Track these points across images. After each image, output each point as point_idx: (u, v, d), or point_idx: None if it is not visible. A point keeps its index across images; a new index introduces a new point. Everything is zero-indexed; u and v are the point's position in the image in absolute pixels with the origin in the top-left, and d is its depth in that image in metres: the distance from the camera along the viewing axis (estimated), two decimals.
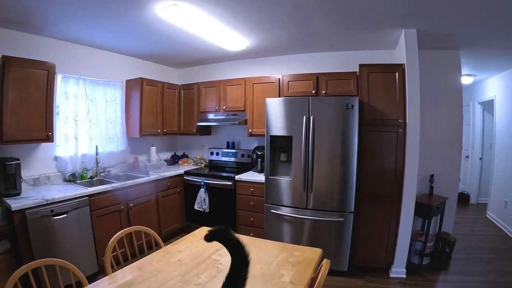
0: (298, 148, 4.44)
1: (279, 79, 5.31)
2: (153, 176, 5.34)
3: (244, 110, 5.72)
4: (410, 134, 4.20)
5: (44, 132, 4.09)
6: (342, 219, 4.29)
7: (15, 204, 3.44)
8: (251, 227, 5.17)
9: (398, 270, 4.41)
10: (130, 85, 5.75)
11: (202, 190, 5.53)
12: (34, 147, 4.39)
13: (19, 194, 3.86)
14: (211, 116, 6.17)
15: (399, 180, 4.30)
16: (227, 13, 3.71)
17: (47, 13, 3.64)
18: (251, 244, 2.90)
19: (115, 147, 5.62)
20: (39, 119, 4.04)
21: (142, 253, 2.99)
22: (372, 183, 4.42)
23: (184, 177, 5.92)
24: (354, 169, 4.21)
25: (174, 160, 6.80)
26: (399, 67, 4.28)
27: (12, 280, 2.02)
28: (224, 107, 5.93)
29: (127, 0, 3.31)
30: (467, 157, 8.71)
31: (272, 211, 4.68)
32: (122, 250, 2.94)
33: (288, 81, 5.21)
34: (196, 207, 5.59)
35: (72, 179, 4.72)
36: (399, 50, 4.65)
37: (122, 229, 2.94)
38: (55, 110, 4.47)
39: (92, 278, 4.04)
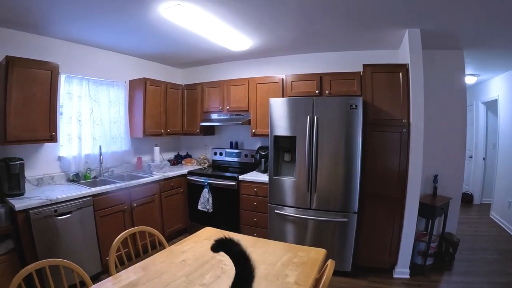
0: (302, 148, 4.43)
1: (282, 79, 5.31)
2: (156, 176, 5.34)
3: (247, 110, 5.71)
4: (414, 134, 4.18)
5: (47, 132, 4.09)
6: (346, 220, 4.28)
7: (18, 204, 3.45)
8: (254, 227, 5.17)
9: (402, 271, 4.40)
10: (133, 85, 5.75)
11: (205, 190, 5.53)
12: (38, 147, 4.40)
13: (22, 194, 3.87)
14: (214, 116, 6.16)
15: (403, 180, 4.29)
16: (230, 12, 3.70)
17: (50, 13, 3.64)
18: (256, 244, 2.90)
19: (118, 147, 5.62)
20: (43, 119, 4.04)
21: (146, 253, 2.99)
22: (376, 184, 4.40)
23: (188, 177, 5.92)
24: (358, 169, 4.20)
25: (177, 160, 6.81)
26: (403, 67, 4.27)
27: (16, 280, 2.02)
28: (228, 107, 5.92)
29: (130, 0, 3.31)
30: (471, 157, 8.68)
31: (276, 211, 4.67)
32: (126, 250, 2.94)
33: (291, 81, 5.21)
34: (199, 207, 5.59)
35: (75, 179, 4.73)
36: (402, 50, 4.64)
37: (125, 229, 2.94)
38: (59, 110, 4.48)
39: (95, 278, 4.06)
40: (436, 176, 4.95)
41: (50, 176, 4.55)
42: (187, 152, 7.16)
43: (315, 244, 3.72)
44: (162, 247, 2.93)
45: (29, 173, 4.22)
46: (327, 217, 4.36)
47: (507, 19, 3.65)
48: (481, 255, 5.17)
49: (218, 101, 6.07)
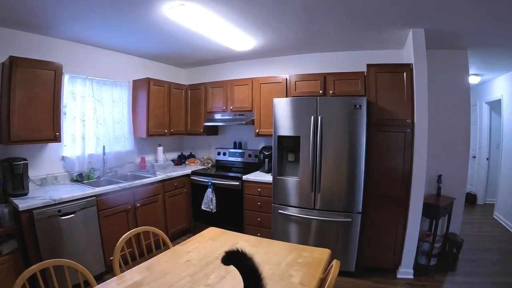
0: (305, 148, 4.43)
1: (286, 79, 5.30)
2: (160, 176, 5.34)
3: (251, 110, 5.71)
4: (418, 134, 4.18)
5: (51, 132, 4.10)
6: (349, 220, 4.28)
7: (22, 204, 3.45)
8: (258, 227, 5.16)
9: (406, 271, 4.40)
10: (137, 85, 5.76)
11: (209, 190, 5.53)
12: (42, 147, 4.40)
13: (26, 194, 3.88)
14: (218, 116, 6.16)
15: (407, 180, 4.28)
16: (234, 12, 3.70)
17: (53, 13, 3.64)
18: (260, 244, 2.90)
19: (122, 147, 5.63)
20: (47, 119, 4.04)
21: (150, 252, 2.98)
22: (380, 184, 4.40)
23: (191, 177, 5.92)
24: (362, 169, 4.19)
25: (181, 160, 6.81)
26: (407, 67, 4.26)
27: (20, 281, 2.02)
28: (231, 107, 5.92)
29: (134, 0, 3.31)
30: (474, 157, 8.66)
31: (279, 211, 4.67)
32: (130, 249, 2.94)
33: (295, 81, 5.20)
34: (203, 207, 5.59)
35: (79, 179, 4.74)
36: (406, 49, 4.63)
37: (129, 229, 2.95)
38: (63, 110, 4.48)
39: (99, 278, 4.08)
40: (440, 176, 4.94)
41: (53, 176, 4.56)
42: (190, 152, 7.16)
43: (318, 244, 3.71)
44: (166, 247, 2.93)
45: (32, 173, 4.22)
46: (331, 217, 4.36)
47: (509, 19, 3.64)
48: (484, 255, 5.16)
49: (221, 101, 6.07)
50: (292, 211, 4.59)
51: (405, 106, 4.25)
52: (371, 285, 4.25)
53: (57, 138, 4.17)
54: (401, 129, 4.27)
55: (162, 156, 6.29)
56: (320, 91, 4.96)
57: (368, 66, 4.45)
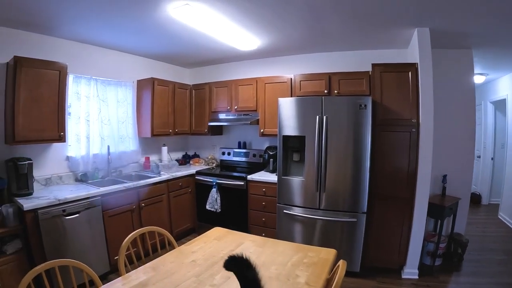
0: (310, 148, 4.42)
1: (291, 78, 5.29)
2: (164, 176, 5.35)
3: (255, 110, 5.70)
4: (423, 134, 4.16)
5: (56, 132, 4.10)
6: (354, 220, 4.26)
7: (27, 204, 3.46)
8: (263, 227, 5.15)
9: (410, 271, 4.38)
10: (141, 85, 5.76)
11: (214, 190, 5.52)
12: (46, 147, 4.41)
13: (31, 194, 3.88)
14: (222, 116, 6.16)
15: (412, 180, 4.26)
16: (239, 12, 3.69)
17: (58, 13, 3.65)
18: (265, 244, 2.90)
19: (126, 147, 5.63)
20: (51, 119, 4.05)
21: (155, 252, 2.98)
22: (385, 184, 4.38)
23: (196, 177, 5.93)
24: (367, 169, 4.18)
25: (185, 160, 6.82)
26: (412, 66, 4.24)
27: (26, 280, 2.01)
28: (236, 107, 5.92)
29: (139, 0, 3.31)
30: (479, 157, 8.62)
31: (284, 211, 4.66)
32: (135, 249, 2.94)
33: (300, 81, 5.19)
34: (207, 207, 5.58)
35: (83, 179, 4.74)
36: (411, 49, 4.61)
37: (134, 229, 2.97)
38: (67, 110, 4.48)
39: (104, 278, 4.08)
40: (445, 176, 4.91)
41: (58, 176, 4.57)
42: (195, 152, 7.16)
43: (323, 244, 3.70)
44: (171, 247, 2.92)
45: (37, 173, 4.23)
46: (335, 217, 4.34)
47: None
48: (489, 255, 5.14)
49: (226, 101, 6.06)
50: (297, 211, 4.58)
51: (410, 106, 4.23)
52: (376, 285, 4.24)
53: (61, 138, 4.18)
54: (406, 128, 4.25)
55: (166, 156, 6.29)
56: (325, 91, 4.94)
57: (373, 65, 4.43)
